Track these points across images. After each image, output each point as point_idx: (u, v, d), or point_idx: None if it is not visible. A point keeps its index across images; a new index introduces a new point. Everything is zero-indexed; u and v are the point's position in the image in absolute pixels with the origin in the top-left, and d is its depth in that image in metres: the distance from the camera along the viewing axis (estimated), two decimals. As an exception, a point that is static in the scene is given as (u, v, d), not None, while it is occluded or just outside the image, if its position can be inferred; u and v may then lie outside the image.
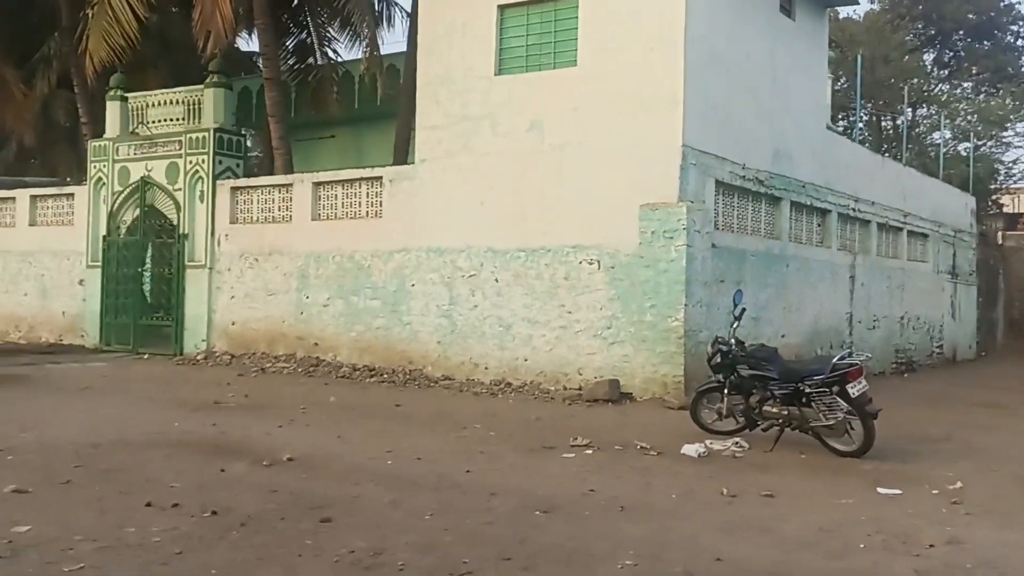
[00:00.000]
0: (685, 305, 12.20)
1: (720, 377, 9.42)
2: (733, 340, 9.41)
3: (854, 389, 8.36)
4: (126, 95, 18.60)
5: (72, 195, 19.55)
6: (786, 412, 8.79)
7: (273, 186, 16.71)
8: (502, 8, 13.86)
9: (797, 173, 15.43)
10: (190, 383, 13.54)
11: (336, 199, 15.90)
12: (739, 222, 14.09)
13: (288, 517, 5.92)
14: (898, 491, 7.16)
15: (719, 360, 9.38)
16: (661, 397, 12.16)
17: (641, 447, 8.87)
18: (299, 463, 7.70)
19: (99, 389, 12.47)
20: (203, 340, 17.08)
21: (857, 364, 8.47)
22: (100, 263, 18.44)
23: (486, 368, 13.81)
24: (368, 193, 15.49)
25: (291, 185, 16.36)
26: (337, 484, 6.93)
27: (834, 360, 8.51)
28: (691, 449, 8.69)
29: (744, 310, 9.81)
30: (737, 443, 9.04)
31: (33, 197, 20.20)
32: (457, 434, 9.51)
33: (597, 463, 8.14)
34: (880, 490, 7.19)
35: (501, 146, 13.81)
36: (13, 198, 20.53)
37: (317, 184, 16.07)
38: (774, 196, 14.86)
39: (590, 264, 12.98)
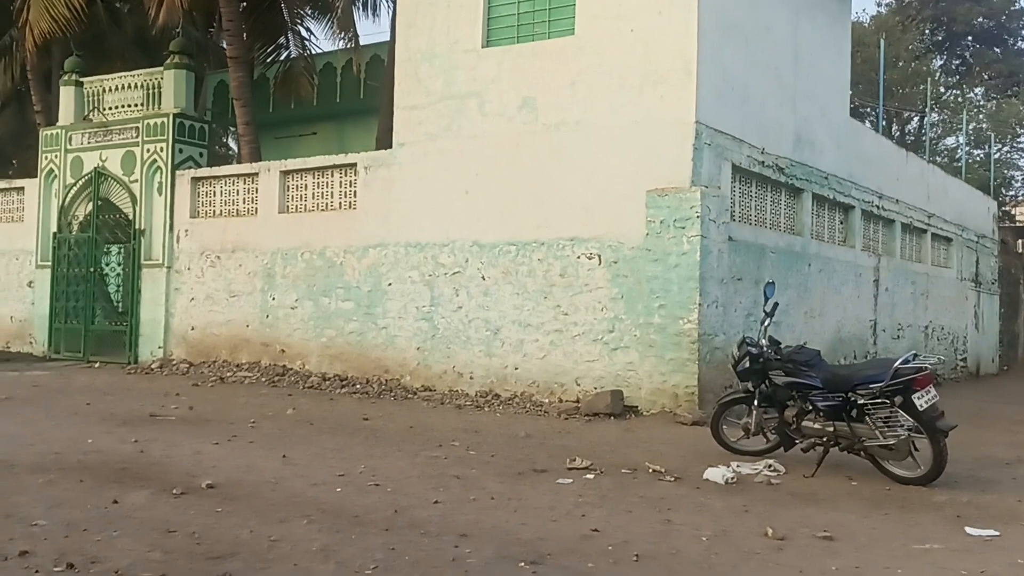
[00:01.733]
0: (699, 305, 10.55)
1: (748, 386, 7.77)
2: (765, 341, 7.75)
3: (921, 400, 6.70)
4: (81, 80, 17.00)
5: (22, 189, 17.89)
6: (831, 428, 7.13)
7: (237, 176, 15.06)
8: (491, -29, 12.30)
9: (820, 163, 13.83)
10: (133, 394, 11.86)
11: (306, 189, 14.26)
12: (757, 214, 12.46)
13: (172, 572, 4.25)
14: (994, 532, 5.51)
15: (748, 365, 7.72)
16: (671, 411, 10.49)
17: (654, 471, 7.21)
18: (219, 491, 6.03)
19: (21, 400, 10.78)
20: (159, 347, 15.39)
21: (926, 369, 6.81)
22: (50, 263, 16.77)
23: (471, 377, 12.15)
24: (341, 182, 13.86)
25: (257, 174, 14.71)
26: (259, 521, 5.25)
27: (896, 364, 6.82)
28: (715, 474, 7.03)
29: (777, 305, 8.14)
30: (771, 466, 7.39)
31: (-19, 192, 18.56)
32: (429, 454, 7.84)
33: (600, 492, 6.48)
34: (970, 531, 5.53)
35: (489, 127, 12.21)
36: (-38, 193, 18.88)
37: (285, 173, 14.43)
38: (795, 187, 13.24)
39: (590, 259, 11.35)
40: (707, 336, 10.66)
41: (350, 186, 13.73)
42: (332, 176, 13.97)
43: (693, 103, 10.79)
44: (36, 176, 17.32)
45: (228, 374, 13.82)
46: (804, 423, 7.33)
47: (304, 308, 13.87)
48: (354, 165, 13.64)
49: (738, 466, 7.35)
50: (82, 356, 16.08)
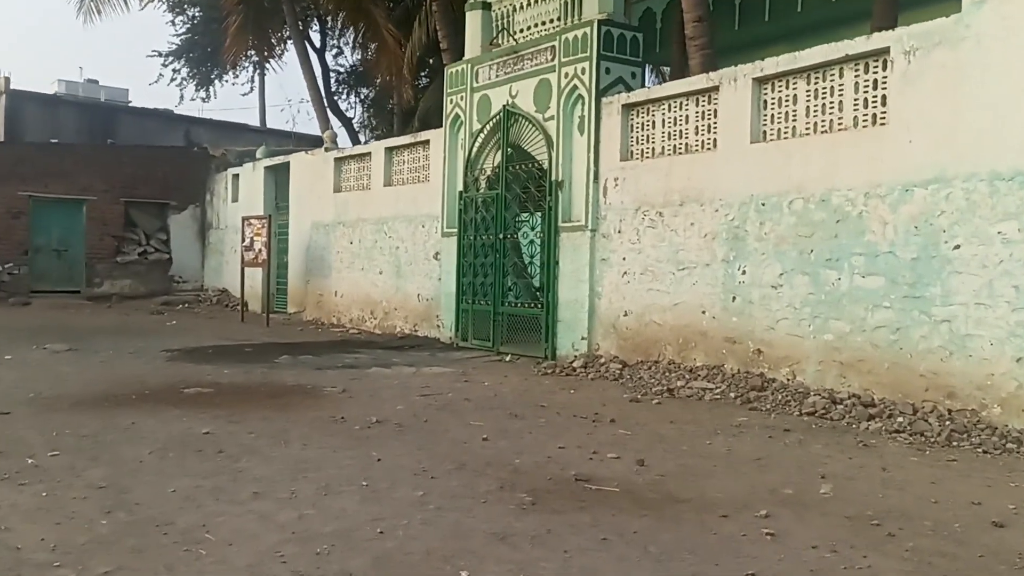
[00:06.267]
0: None
1: None
2: None
3: None
4: (488, 1, 13.67)
5: (427, 142, 15.14)
6: None
7: (686, 95, 10.48)
8: None
9: None
10: (548, 416, 7.88)
11: (793, 104, 9.25)
12: None
13: None
14: None
15: None
16: None
17: None
18: None
19: (394, 428, 7.22)
20: (582, 338, 11.47)
21: None
22: (456, 229, 13.73)
23: None
24: (856, 85, 8.63)
25: (716, 88, 10.01)
26: None
27: None
28: None
29: None
30: None
31: (388, 150, 16.21)
32: None
33: None
34: None
35: None
36: (369, 154, 16.80)
37: (760, 81, 9.55)
38: None
39: None
40: None
41: (873, 89, 8.46)
42: (840, 77, 8.78)
43: None
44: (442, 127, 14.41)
45: (679, 383, 9.39)
46: None
47: (794, 287, 8.94)
48: (883, 52, 8.32)
49: None
50: (491, 345, 12.80)
